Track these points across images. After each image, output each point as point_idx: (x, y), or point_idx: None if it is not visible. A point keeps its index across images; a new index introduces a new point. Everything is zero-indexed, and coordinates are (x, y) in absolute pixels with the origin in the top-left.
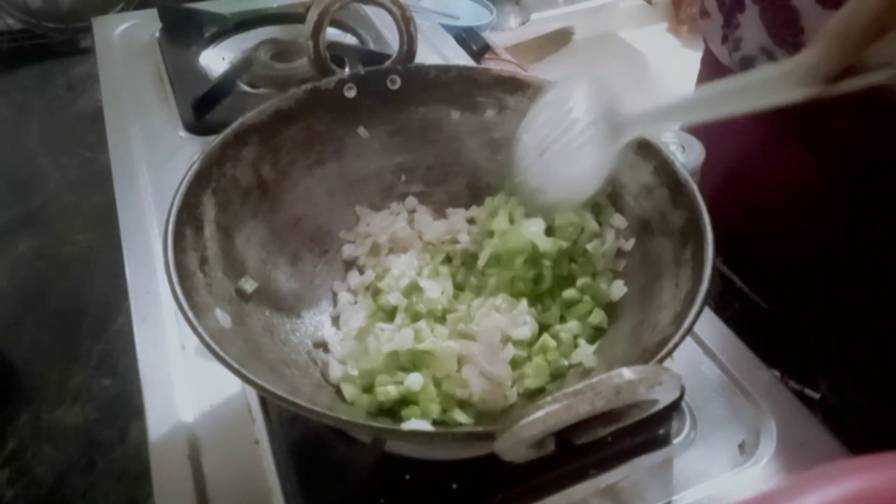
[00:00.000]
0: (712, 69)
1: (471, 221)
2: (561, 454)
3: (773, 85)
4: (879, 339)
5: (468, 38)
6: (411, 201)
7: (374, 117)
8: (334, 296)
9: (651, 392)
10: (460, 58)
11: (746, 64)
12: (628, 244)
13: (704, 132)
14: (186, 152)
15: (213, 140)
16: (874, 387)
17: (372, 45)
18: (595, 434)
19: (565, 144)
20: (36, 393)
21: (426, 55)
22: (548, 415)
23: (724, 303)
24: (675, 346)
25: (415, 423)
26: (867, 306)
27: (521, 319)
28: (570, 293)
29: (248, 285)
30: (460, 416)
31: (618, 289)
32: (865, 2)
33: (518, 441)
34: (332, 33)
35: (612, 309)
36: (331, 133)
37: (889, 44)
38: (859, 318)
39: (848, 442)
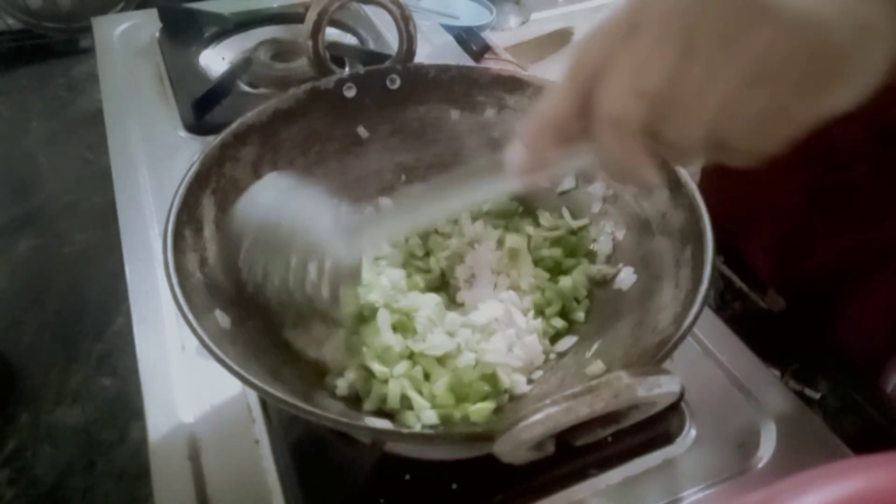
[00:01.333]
0: None
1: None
2: (561, 455)
3: (484, 179)
4: (880, 338)
5: (468, 38)
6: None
7: (374, 117)
8: None
9: (650, 394)
10: (460, 58)
11: None
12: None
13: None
14: (186, 152)
15: (213, 140)
16: (874, 387)
17: (372, 45)
18: (594, 436)
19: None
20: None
21: (426, 55)
22: (547, 417)
23: (724, 303)
24: (675, 346)
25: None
26: (867, 305)
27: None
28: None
29: (223, 321)
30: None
31: (627, 276)
32: (553, 106)
33: (517, 443)
34: (331, 33)
35: (612, 309)
36: (331, 133)
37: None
38: (859, 317)
39: (848, 442)
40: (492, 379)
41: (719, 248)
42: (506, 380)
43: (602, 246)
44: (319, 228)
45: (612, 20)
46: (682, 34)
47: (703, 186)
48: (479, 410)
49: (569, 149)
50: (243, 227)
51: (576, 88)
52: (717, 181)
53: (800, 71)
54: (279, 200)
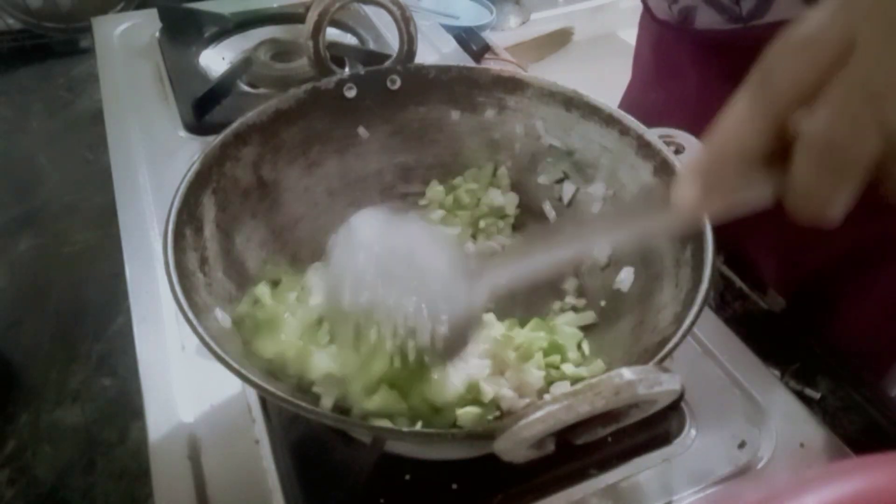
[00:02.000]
0: (650, 29)
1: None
2: (561, 454)
3: (651, 217)
4: (880, 337)
5: (468, 38)
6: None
7: (374, 117)
8: None
9: (651, 392)
10: (460, 58)
11: (685, 14)
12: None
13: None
14: (186, 152)
15: (213, 140)
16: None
17: (372, 45)
18: (595, 434)
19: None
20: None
21: (426, 55)
22: (548, 415)
23: (724, 303)
24: (675, 346)
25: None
26: (867, 305)
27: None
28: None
29: (223, 320)
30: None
31: (627, 276)
32: (737, 136)
33: (518, 441)
34: (332, 33)
35: (612, 308)
36: (331, 133)
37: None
38: (859, 317)
39: (848, 442)
40: (473, 389)
41: (719, 248)
42: (489, 391)
43: (602, 247)
44: (436, 272)
45: (812, 31)
46: None
47: None
48: (466, 414)
49: (748, 181)
50: (346, 264)
51: (767, 115)
52: None
53: None
54: (387, 238)
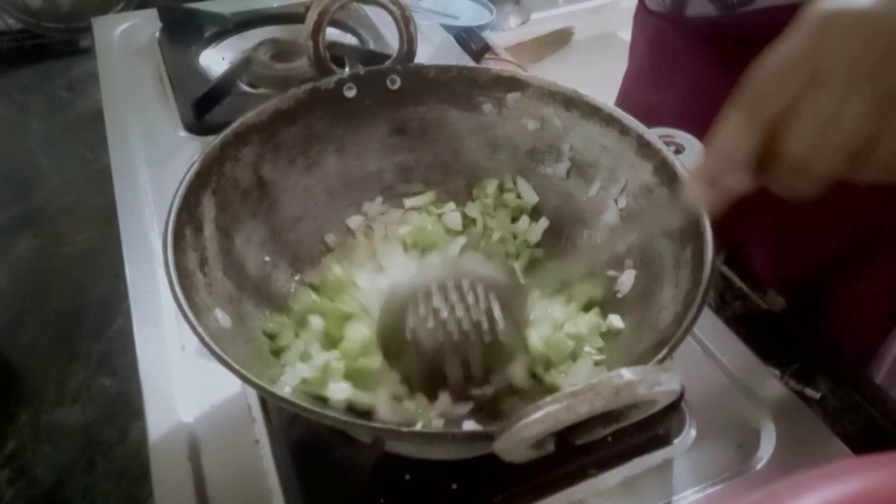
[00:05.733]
0: (644, 23)
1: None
2: (561, 454)
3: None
4: (867, 324)
5: (468, 38)
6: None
7: (374, 117)
8: None
9: (650, 392)
10: (460, 58)
11: (678, 4)
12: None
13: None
14: (186, 152)
15: (213, 140)
16: (874, 387)
17: (372, 45)
18: (595, 434)
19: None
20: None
21: (426, 55)
22: (547, 415)
23: (724, 303)
24: (675, 346)
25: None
26: (857, 294)
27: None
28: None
29: (223, 320)
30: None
31: (627, 276)
32: (733, 145)
33: (518, 441)
34: (332, 33)
35: (612, 308)
36: (331, 133)
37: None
38: (849, 306)
39: (848, 442)
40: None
41: (719, 248)
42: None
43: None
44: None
45: (788, 60)
46: (872, 88)
47: None
48: None
49: (744, 181)
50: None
51: (756, 129)
52: None
53: None
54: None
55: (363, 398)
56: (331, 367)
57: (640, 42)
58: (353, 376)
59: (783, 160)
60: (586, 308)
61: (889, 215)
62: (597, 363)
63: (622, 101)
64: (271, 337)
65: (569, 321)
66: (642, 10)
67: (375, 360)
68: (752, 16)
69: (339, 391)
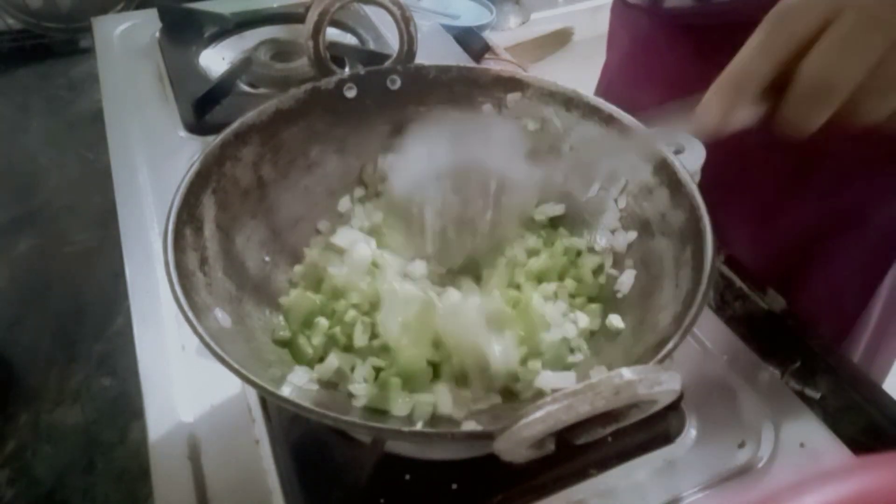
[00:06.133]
0: (622, 16)
1: None
2: (561, 454)
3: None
4: (841, 302)
5: (468, 38)
6: None
7: (375, 117)
8: None
9: (651, 392)
10: (460, 58)
11: None
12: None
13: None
14: (186, 152)
15: (213, 140)
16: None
17: (372, 45)
18: (595, 434)
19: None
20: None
21: (426, 55)
22: (547, 415)
23: (724, 303)
24: (675, 346)
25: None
26: (842, 283)
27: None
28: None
29: (223, 320)
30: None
31: (627, 276)
32: (752, 63)
33: (518, 441)
34: (332, 33)
35: (612, 308)
36: (331, 133)
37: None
38: (823, 285)
39: (848, 442)
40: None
41: (719, 248)
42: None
43: (601, 245)
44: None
45: (808, 3)
46: (886, 28)
47: (704, 186)
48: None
49: (752, 105)
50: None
51: (776, 51)
52: (718, 181)
53: None
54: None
55: (424, 400)
56: (388, 383)
57: (618, 34)
58: (408, 378)
59: (799, 82)
60: (583, 304)
61: (865, 194)
62: (574, 364)
63: (602, 95)
64: (283, 344)
65: (563, 317)
66: (620, 3)
67: (420, 355)
68: (728, 6)
69: (403, 406)
